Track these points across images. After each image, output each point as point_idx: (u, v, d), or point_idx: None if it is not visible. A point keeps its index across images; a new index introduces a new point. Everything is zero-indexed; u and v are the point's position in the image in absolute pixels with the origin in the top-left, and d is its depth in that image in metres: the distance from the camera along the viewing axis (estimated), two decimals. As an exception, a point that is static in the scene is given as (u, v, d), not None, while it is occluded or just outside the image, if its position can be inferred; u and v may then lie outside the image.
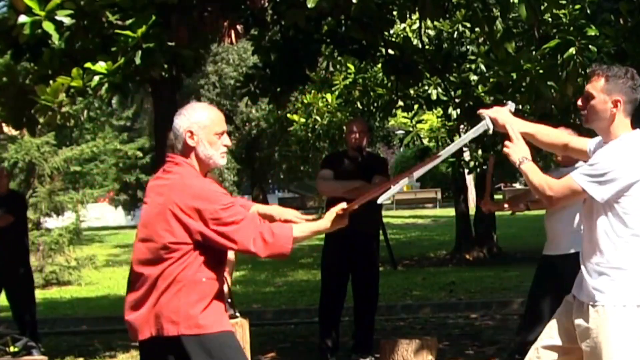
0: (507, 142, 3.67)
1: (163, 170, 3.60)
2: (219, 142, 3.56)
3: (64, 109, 6.22)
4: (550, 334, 3.78)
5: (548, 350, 3.76)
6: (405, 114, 13.30)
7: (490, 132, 3.92)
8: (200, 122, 3.52)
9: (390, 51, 8.16)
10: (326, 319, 7.01)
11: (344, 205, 3.70)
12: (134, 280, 3.54)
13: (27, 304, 8.10)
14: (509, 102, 3.97)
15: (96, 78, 5.98)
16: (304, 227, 3.67)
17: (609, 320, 3.48)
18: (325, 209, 7.23)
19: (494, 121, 3.82)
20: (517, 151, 3.64)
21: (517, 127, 3.76)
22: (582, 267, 3.63)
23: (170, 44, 6.14)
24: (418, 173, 3.79)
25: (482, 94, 8.56)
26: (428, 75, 9.08)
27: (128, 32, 5.88)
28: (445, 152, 3.89)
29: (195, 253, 3.44)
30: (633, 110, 3.60)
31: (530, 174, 3.60)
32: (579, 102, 3.66)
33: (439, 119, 14.61)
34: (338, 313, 7.04)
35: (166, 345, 3.45)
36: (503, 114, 3.83)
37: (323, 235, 7.24)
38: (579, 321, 3.59)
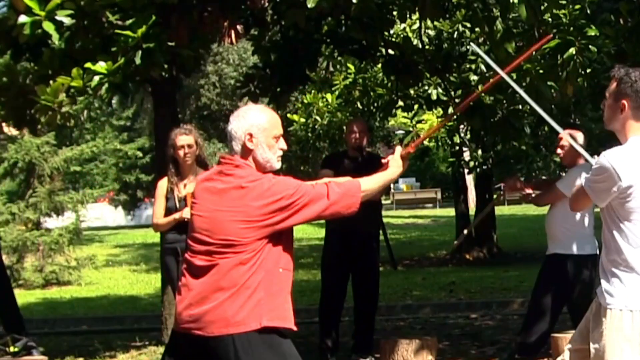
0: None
1: (220, 173, 3.55)
2: (276, 146, 3.54)
3: (64, 109, 6.23)
4: (575, 336, 3.80)
5: (576, 352, 3.76)
6: (405, 114, 13.29)
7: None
8: (260, 125, 3.50)
9: (390, 51, 8.16)
10: (326, 319, 7.01)
11: (400, 148, 3.79)
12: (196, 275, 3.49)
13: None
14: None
15: (96, 78, 5.98)
16: (371, 178, 3.70)
17: (614, 324, 3.49)
18: None
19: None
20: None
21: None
22: (600, 268, 3.65)
23: (170, 44, 6.15)
24: None
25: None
26: (428, 75, 9.07)
27: (128, 32, 5.89)
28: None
29: (270, 245, 3.44)
30: None
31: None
32: (602, 105, 3.71)
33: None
34: (338, 313, 7.04)
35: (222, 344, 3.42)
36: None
37: (323, 235, 7.26)
38: (593, 323, 3.61)
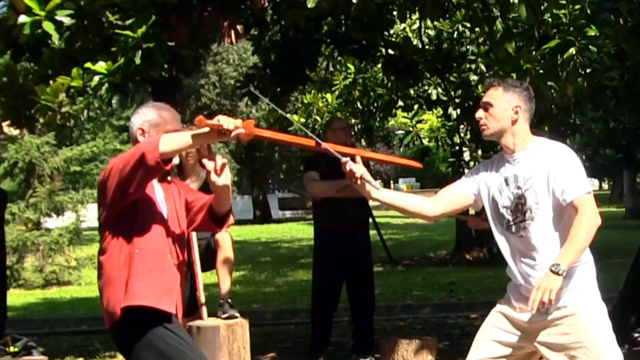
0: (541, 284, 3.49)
1: None
2: None
3: (64, 109, 6.22)
4: (487, 348, 3.81)
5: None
6: (405, 114, 13.28)
7: None
8: (152, 120, 3.58)
9: (390, 51, 8.16)
10: (319, 320, 6.99)
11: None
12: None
13: None
14: None
15: (96, 78, 5.97)
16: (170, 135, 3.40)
17: (598, 320, 3.59)
18: (314, 212, 7.23)
19: None
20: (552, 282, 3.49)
21: None
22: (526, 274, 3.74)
23: (170, 44, 6.14)
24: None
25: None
26: (428, 75, 9.07)
27: (128, 32, 5.88)
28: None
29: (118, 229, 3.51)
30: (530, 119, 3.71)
31: (579, 246, 3.51)
32: (477, 115, 3.74)
33: (439, 119, 14.60)
34: (331, 314, 7.02)
35: None
36: None
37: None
38: (545, 327, 3.65)
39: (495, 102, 3.66)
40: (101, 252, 3.50)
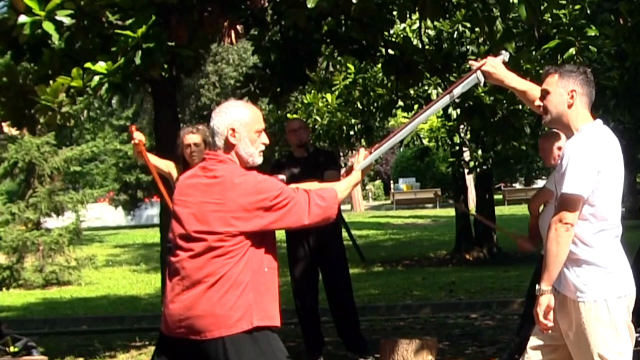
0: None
1: (204, 168, 3.56)
2: (258, 140, 3.57)
3: (64, 109, 6.22)
4: (536, 332, 3.82)
5: (535, 350, 3.81)
6: (405, 114, 13.30)
7: (482, 85, 3.95)
8: (242, 120, 3.52)
9: (390, 51, 8.15)
10: (304, 317, 6.98)
11: (364, 151, 3.82)
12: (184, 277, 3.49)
13: None
14: (503, 52, 3.98)
15: (96, 78, 5.97)
16: (343, 184, 3.76)
17: (591, 315, 3.54)
18: None
19: (486, 74, 3.88)
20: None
21: (510, 80, 3.89)
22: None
23: (170, 44, 6.14)
24: (407, 131, 3.98)
25: (482, 94, 8.55)
26: (428, 75, 9.07)
27: (128, 32, 5.88)
28: (432, 110, 4.02)
29: (253, 246, 3.46)
30: (591, 103, 3.70)
31: (555, 258, 3.53)
32: (535, 103, 3.77)
33: (439, 119, 14.62)
34: (315, 309, 6.99)
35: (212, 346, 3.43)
36: (497, 67, 3.91)
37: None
38: (561, 311, 3.64)
39: (552, 88, 3.67)
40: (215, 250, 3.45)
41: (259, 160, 3.59)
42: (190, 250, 3.46)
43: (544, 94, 3.71)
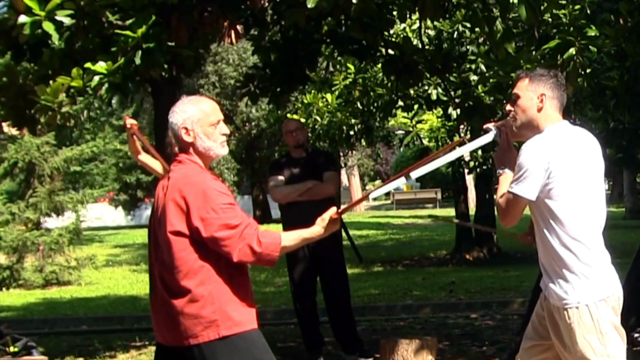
0: (497, 149, 3.77)
1: (171, 170, 3.57)
2: (216, 132, 3.52)
3: (64, 109, 6.22)
4: (528, 333, 3.83)
5: (528, 350, 3.82)
6: (405, 114, 13.30)
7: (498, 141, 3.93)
8: (193, 116, 3.49)
9: (390, 51, 8.15)
10: (303, 318, 6.98)
11: (334, 209, 3.66)
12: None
13: None
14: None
15: (96, 78, 5.97)
16: (293, 235, 3.60)
17: (575, 321, 3.54)
18: (281, 216, 7.20)
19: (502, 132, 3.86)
20: (502, 159, 3.76)
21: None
22: (542, 269, 3.71)
23: (170, 44, 6.14)
24: (415, 174, 3.78)
25: (482, 94, 8.55)
26: (428, 75, 9.06)
27: (128, 32, 5.88)
28: (444, 159, 3.88)
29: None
30: (562, 107, 3.71)
31: (500, 186, 3.71)
32: (507, 108, 3.78)
33: (439, 119, 14.60)
34: (314, 310, 7.00)
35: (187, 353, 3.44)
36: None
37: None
38: (550, 319, 3.65)
39: (522, 92, 3.68)
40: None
41: (222, 151, 3.54)
42: (160, 256, 3.48)
43: (515, 98, 3.71)
